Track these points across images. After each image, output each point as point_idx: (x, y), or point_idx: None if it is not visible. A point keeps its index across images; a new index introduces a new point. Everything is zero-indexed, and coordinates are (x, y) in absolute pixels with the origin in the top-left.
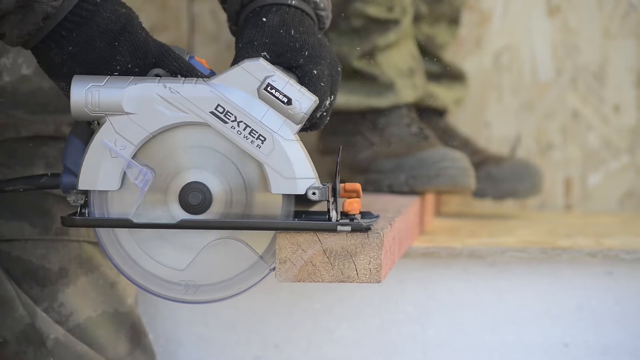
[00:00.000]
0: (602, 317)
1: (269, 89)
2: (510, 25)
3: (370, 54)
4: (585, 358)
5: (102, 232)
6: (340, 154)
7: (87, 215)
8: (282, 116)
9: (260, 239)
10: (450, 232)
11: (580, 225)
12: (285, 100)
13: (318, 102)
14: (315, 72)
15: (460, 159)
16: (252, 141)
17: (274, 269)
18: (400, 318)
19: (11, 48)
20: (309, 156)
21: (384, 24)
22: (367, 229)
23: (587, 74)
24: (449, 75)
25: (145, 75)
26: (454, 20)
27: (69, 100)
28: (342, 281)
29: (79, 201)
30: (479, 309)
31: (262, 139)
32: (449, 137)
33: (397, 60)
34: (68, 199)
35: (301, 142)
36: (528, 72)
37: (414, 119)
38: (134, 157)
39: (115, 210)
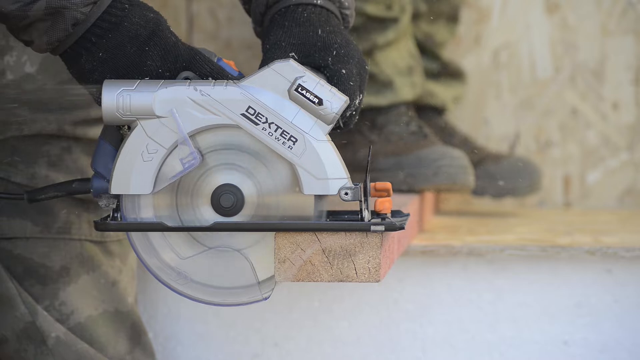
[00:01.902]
0: (601, 315)
1: (299, 89)
2: (508, 22)
3: (369, 53)
4: (584, 355)
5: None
6: (370, 153)
7: (119, 219)
8: (313, 117)
9: (267, 265)
10: (450, 230)
11: (579, 223)
12: (316, 100)
13: (349, 102)
14: (344, 71)
15: (459, 157)
16: (283, 142)
17: (266, 299)
18: (400, 316)
19: (15, 45)
20: (340, 156)
21: (383, 23)
22: (400, 228)
23: (586, 71)
24: (448, 73)
25: (175, 79)
26: (452, 18)
27: (100, 105)
28: (341, 280)
29: (110, 205)
30: (478, 307)
31: (294, 140)
32: (448, 135)
33: (396, 59)
34: (99, 203)
35: (332, 143)
36: (527, 70)
37: (412, 117)
38: (164, 160)
39: (147, 213)
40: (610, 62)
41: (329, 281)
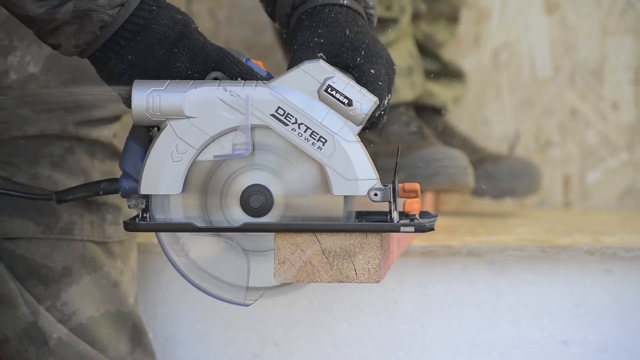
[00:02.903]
0: (601, 315)
1: (329, 90)
2: (508, 22)
3: None
4: (583, 355)
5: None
6: (399, 154)
7: (148, 219)
8: (342, 117)
9: (263, 275)
10: (449, 230)
11: (579, 223)
12: (346, 101)
13: (378, 102)
14: (372, 71)
15: (458, 158)
16: (313, 143)
17: (246, 305)
18: (399, 316)
19: (19, 46)
20: (369, 157)
21: (383, 23)
22: (430, 229)
23: (586, 71)
24: (448, 73)
25: (204, 79)
26: (452, 19)
27: (129, 107)
28: (341, 281)
29: (139, 205)
30: (478, 307)
31: (323, 140)
32: (448, 136)
33: (396, 59)
34: (128, 203)
35: (362, 143)
36: (526, 70)
37: (412, 117)
38: (194, 160)
39: (176, 213)
40: (609, 62)
41: (328, 282)
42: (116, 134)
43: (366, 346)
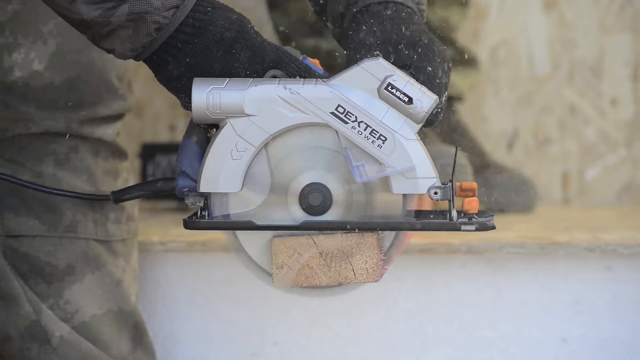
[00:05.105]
0: (600, 312)
1: (389, 88)
2: (506, 19)
3: None
4: (583, 352)
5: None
6: (457, 153)
7: (206, 217)
8: (402, 116)
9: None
10: None
11: (578, 220)
12: (406, 99)
13: (438, 100)
14: (430, 69)
15: (457, 156)
16: (372, 141)
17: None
18: (399, 314)
19: (23, 43)
20: (429, 155)
21: None
22: (492, 227)
23: (584, 67)
24: (463, 60)
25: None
26: (463, 3)
27: (186, 109)
28: (340, 282)
29: (197, 204)
30: (477, 305)
31: (383, 138)
32: (459, 135)
33: None
34: (186, 201)
35: (421, 142)
36: (525, 67)
37: None
38: (254, 158)
39: (235, 211)
40: (608, 59)
41: (327, 284)
42: (119, 133)
43: (366, 345)
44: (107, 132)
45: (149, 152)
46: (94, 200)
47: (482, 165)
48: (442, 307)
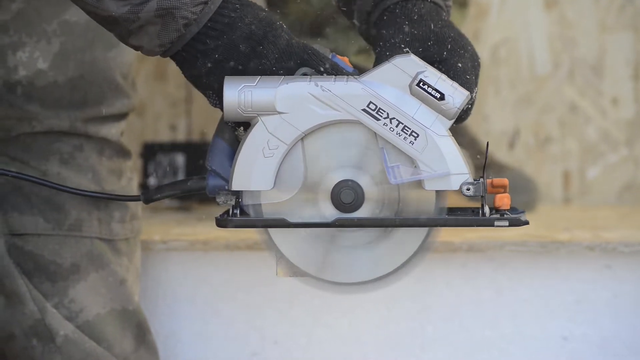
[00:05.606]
0: (601, 311)
1: (421, 84)
2: (507, 18)
3: (368, 49)
4: (583, 351)
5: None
6: (488, 150)
7: (238, 215)
8: (434, 112)
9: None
10: None
11: (578, 219)
12: (438, 95)
13: (470, 96)
14: (460, 65)
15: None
16: (404, 138)
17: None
18: (399, 313)
19: (28, 41)
20: (461, 151)
21: None
22: (525, 223)
23: (585, 67)
24: None
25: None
26: (463, 4)
27: (215, 106)
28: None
29: (229, 202)
30: (478, 304)
31: (415, 135)
32: (458, 135)
33: None
34: (217, 200)
35: (453, 138)
36: (526, 66)
37: None
38: (285, 156)
39: (267, 209)
40: (609, 58)
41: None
42: (123, 132)
43: (366, 344)
44: (111, 131)
45: (150, 151)
46: (125, 201)
47: (483, 165)
48: (442, 306)
